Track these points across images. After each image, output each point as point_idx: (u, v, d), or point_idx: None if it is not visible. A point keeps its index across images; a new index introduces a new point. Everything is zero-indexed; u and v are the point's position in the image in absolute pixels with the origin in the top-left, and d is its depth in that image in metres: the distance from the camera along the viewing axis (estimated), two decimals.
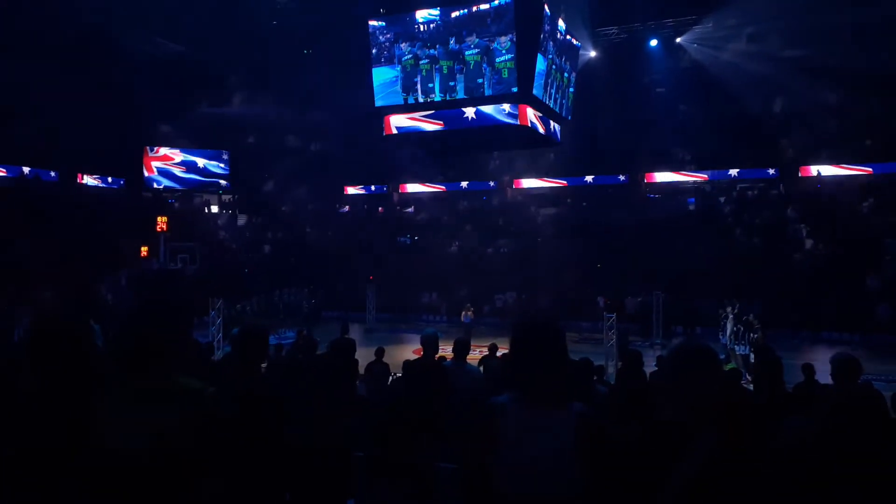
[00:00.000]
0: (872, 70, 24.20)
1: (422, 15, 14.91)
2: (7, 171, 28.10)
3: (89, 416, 2.23)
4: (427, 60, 14.83)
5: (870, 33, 24.47)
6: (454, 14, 14.47)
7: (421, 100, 15.23)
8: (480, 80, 14.37)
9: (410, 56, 15.05)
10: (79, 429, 2.23)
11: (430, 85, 14.96)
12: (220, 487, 2.18)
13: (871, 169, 27.91)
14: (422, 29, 14.89)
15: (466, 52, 14.34)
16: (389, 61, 15.34)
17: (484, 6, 14.09)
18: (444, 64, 14.66)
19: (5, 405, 2.48)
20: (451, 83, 14.71)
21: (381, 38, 15.34)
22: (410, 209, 36.18)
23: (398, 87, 15.36)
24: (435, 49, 14.72)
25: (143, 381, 2.24)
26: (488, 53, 14.15)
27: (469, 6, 14.24)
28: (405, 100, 15.38)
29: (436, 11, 14.68)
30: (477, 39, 14.23)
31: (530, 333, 2.53)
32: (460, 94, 14.72)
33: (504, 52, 13.99)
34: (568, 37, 16.24)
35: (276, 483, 3.49)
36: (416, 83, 15.12)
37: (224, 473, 2.20)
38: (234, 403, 2.34)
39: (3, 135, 25.19)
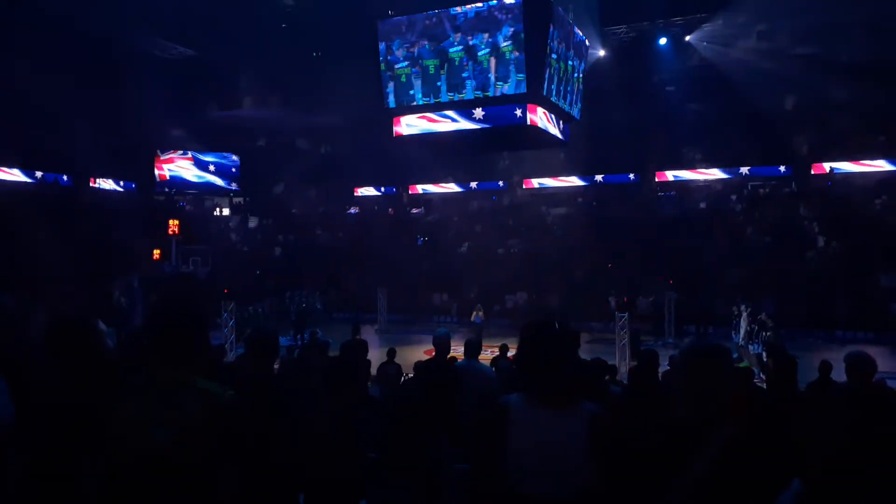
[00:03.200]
0: (885, 65, 23.98)
1: (428, 15, 14.92)
2: (22, 175, 28.35)
3: (109, 412, 2.27)
4: (436, 60, 14.84)
5: (882, 28, 24.25)
6: (460, 12, 14.48)
7: (430, 101, 15.24)
8: (488, 79, 14.37)
9: (418, 57, 15.06)
10: (99, 424, 2.27)
11: (439, 85, 14.96)
12: (236, 488, 2.20)
13: (884, 164, 27.69)
14: (428, 29, 14.89)
15: (478, 52, 14.35)
16: (398, 62, 15.36)
17: (493, 1, 14.10)
18: (454, 59, 14.66)
19: (24, 402, 2.52)
20: (459, 83, 14.72)
21: (389, 39, 15.37)
22: (421, 210, 36.21)
23: (407, 89, 15.38)
24: (442, 49, 14.72)
25: (162, 383, 2.27)
26: (496, 52, 14.15)
27: (476, 4, 14.26)
28: (414, 101, 15.39)
29: (441, 11, 14.70)
30: (484, 38, 14.23)
31: (538, 334, 2.53)
32: (469, 95, 14.72)
33: (511, 51, 13.98)
34: (577, 34, 16.20)
35: (289, 484, 3.51)
36: (424, 84, 15.13)
37: (239, 474, 2.22)
38: (250, 406, 2.36)
39: (16, 139, 25.44)
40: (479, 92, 14.59)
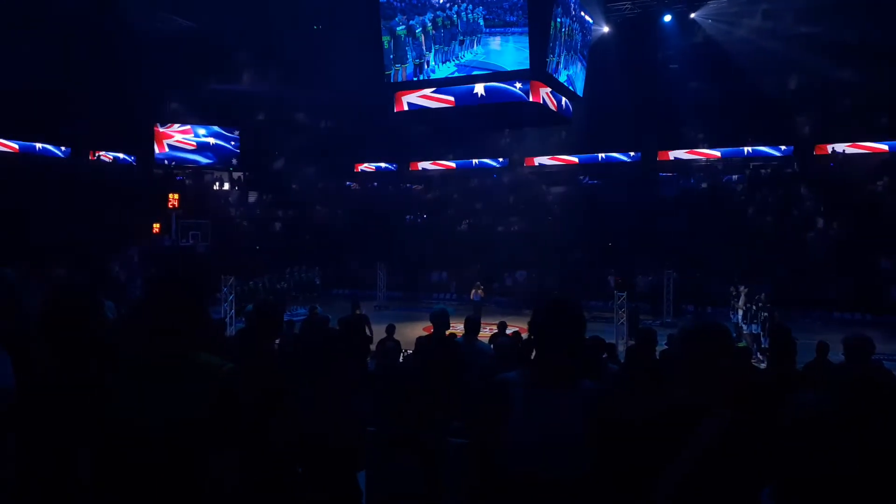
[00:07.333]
0: (889, 47, 23.79)
1: None
2: (19, 147, 28.20)
3: (104, 388, 2.25)
4: (438, 32, 14.67)
5: (887, 9, 23.99)
6: None
7: (432, 75, 15.11)
8: (491, 52, 14.24)
9: (420, 29, 14.89)
10: (93, 401, 2.26)
11: (441, 57, 14.82)
12: (234, 462, 2.20)
13: (886, 147, 27.59)
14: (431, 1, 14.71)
15: (481, 24, 14.18)
16: (400, 35, 15.20)
17: None
18: (453, 33, 14.50)
19: (22, 378, 2.52)
20: (462, 55, 14.58)
21: (391, 11, 15.20)
22: (421, 187, 36.12)
23: (408, 62, 15.23)
24: (443, 20, 14.54)
25: (160, 357, 2.25)
26: (499, 25, 14.00)
27: None
28: (416, 75, 15.27)
29: None
30: (484, 10, 14.06)
31: (553, 313, 2.49)
32: (471, 69, 14.58)
33: (514, 25, 13.83)
34: (580, 12, 16.03)
35: (288, 457, 3.54)
36: (426, 57, 14.99)
37: (238, 448, 2.22)
38: (250, 379, 2.36)
39: (15, 110, 25.26)
40: (481, 67, 14.48)
